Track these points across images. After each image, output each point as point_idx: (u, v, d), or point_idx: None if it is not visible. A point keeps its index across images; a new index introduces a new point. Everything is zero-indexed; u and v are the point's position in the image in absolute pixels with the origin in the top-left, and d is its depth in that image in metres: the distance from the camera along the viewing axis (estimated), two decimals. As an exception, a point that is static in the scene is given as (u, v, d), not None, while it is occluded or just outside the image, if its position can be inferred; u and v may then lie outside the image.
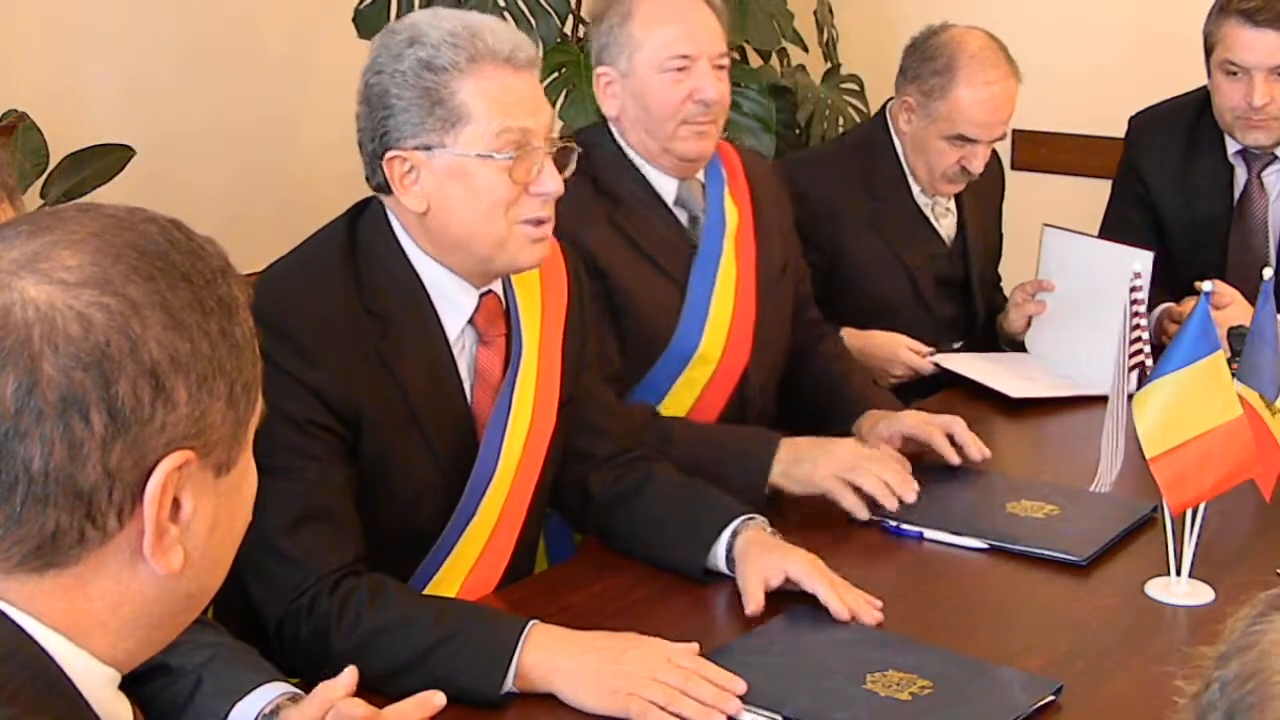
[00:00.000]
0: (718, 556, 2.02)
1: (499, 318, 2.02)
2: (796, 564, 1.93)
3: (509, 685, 1.70)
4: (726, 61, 2.48)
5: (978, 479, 2.34)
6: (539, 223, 1.93)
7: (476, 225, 1.91)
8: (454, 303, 1.97)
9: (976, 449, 2.38)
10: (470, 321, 1.99)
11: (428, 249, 1.95)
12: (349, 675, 1.55)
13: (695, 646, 1.74)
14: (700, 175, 2.54)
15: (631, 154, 2.49)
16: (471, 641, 1.73)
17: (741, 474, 2.26)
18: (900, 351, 2.87)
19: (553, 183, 1.92)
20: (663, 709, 1.65)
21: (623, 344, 2.42)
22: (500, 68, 1.88)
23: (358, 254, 1.94)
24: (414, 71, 1.86)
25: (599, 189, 2.43)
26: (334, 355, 1.86)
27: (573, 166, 1.97)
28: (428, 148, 1.88)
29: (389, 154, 1.88)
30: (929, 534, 2.16)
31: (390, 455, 1.91)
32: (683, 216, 2.52)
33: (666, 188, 2.50)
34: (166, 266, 0.98)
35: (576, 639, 1.75)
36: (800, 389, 2.69)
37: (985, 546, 2.12)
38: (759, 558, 1.96)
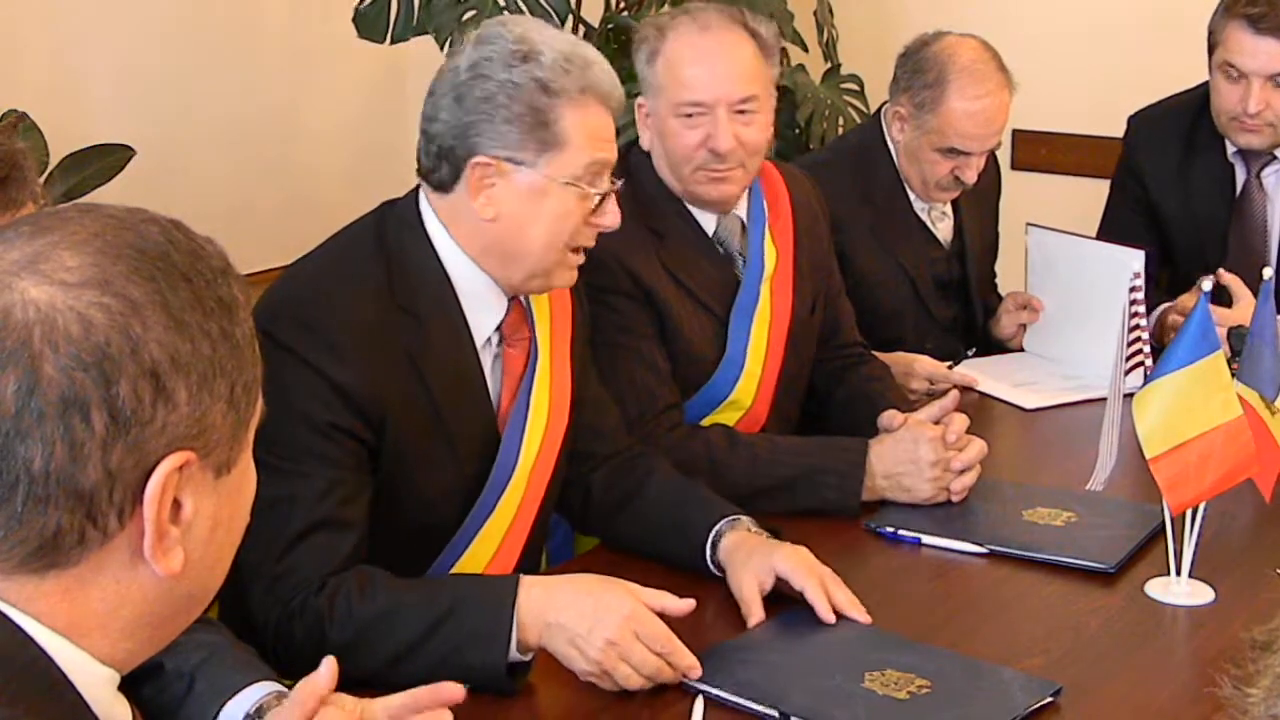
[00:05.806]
0: (706, 559, 2.01)
1: (523, 320, 2.04)
2: (783, 560, 1.91)
3: (513, 653, 1.70)
4: (752, 105, 2.36)
5: (986, 486, 2.30)
6: (583, 250, 1.98)
7: (537, 246, 1.93)
8: (486, 304, 1.98)
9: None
10: (498, 325, 2.00)
11: (469, 249, 1.95)
12: (328, 668, 1.45)
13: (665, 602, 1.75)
14: (741, 212, 2.49)
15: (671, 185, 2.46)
16: (468, 616, 1.72)
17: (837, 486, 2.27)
18: (915, 364, 2.85)
19: (614, 218, 1.97)
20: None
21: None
22: (601, 106, 1.92)
23: (388, 251, 1.94)
24: (529, 89, 1.87)
25: (644, 223, 2.39)
26: (365, 354, 1.86)
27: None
28: (518, 163, 1.89)
29: (477, 158, 1.88)
30: (926, 539, 2.16)
31: (413, 455, 1.91)
32: (721, 250, 2.48)
33: (706, 222, 2.47)
34: (167, 267, 0.98)
35: (557, 602, 1.73)
36: (832, 408, 2.64)
37: (984, 550, 2.12)
38: (746, 562, 1.94)
